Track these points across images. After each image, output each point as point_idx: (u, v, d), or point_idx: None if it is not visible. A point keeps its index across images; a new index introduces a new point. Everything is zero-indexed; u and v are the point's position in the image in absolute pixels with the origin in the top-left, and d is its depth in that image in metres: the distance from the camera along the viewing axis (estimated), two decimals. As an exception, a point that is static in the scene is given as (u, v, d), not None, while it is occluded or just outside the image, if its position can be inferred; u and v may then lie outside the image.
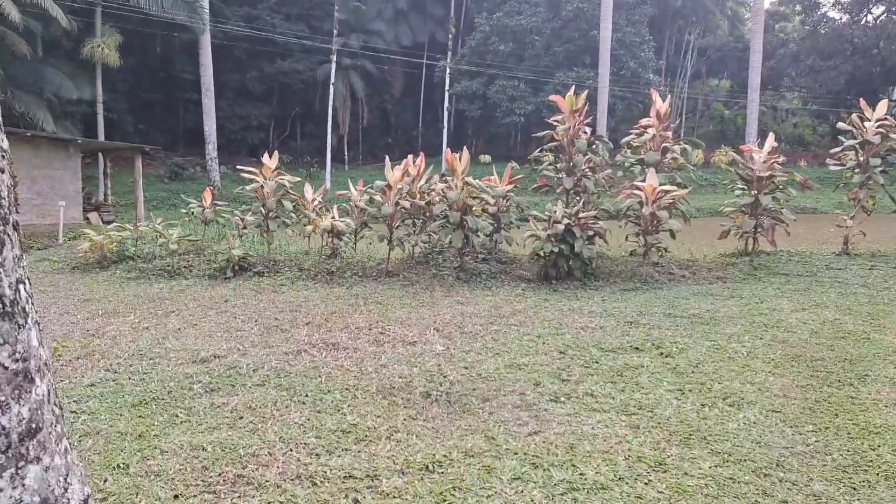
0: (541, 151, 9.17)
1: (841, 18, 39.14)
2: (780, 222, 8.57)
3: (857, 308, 6.45)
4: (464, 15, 36.60)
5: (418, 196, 7.94)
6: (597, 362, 4.49)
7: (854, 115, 9.28)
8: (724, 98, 42.83)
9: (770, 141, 8.64)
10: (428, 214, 7.94)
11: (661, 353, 4.69)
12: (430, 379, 4.14)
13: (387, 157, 7.74)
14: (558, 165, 9.02)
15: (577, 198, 9.38)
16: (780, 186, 8.67)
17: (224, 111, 32.47)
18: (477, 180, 7.73)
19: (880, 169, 9.10)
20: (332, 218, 8.46)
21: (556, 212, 7.97)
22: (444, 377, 4.18)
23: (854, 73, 36.60)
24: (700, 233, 12.01)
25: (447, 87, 30.77)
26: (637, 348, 4.84)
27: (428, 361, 4.53)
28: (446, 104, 30.84)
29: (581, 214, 7.91)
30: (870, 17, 38.59)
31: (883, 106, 9.14)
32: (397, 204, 7.54)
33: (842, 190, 9.79)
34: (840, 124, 9.52)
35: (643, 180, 7.99)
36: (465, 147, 8.85)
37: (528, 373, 4.27)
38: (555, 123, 9.04)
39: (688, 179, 8.85)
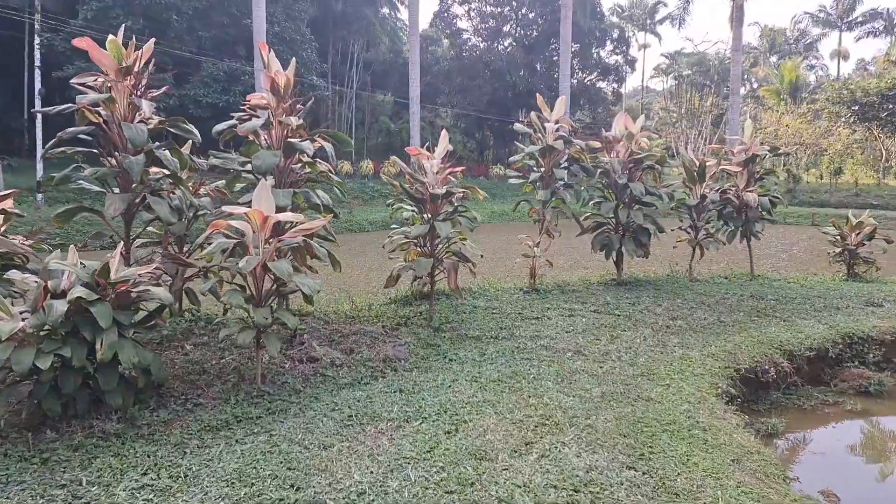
0: (60, 144, 4.64)
1: (481, 45, 43.15)
2: (466, 261, 5.89)
3: (600, 428, 3.86)
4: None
5: None
6: None
7: (533, 115, 7.30)
8: (390, 112, 43.42)
9: (444, 142, 5.88)
10: None
11: None
12: None
13: None
14: (101, 170, 4.66)
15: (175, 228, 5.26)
16: (460, 207, 6.00)
17: None
18: None
19: (564, 182, 7.28)
20: None
21: (58, 273, 3.66)
22: None
23: (493, 94, 40.49)
24: (371, 254, 9.09)
25: (38, 64, 22.02)
26: None
27: None
28: (38, 87, 21.99)
29: (119, 274, 3.76)
30: (502, 47, 43.46)
31: (561, 104, 7.37)
32: None
33: (523, 208, 7.88)
34: (517, 125, 7.47)
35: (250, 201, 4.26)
36: None
37: None
38: (83, 89, 4.68)
39: (338, 200, 5.47)
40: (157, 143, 5.00)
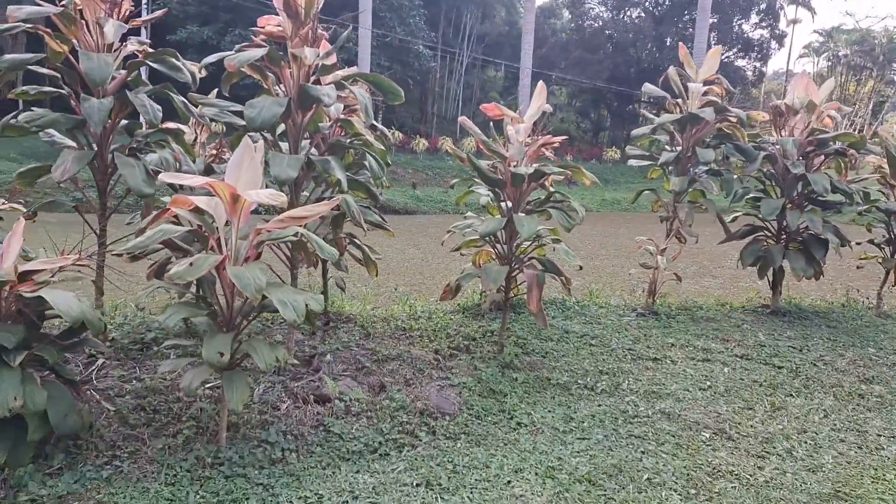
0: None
1: (605, 14, 39.77)
2: (556, 273, 4.12)
3: None
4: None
5: None
6: None
7: (672, 70, 5.28)
8: (500, 88, 41.49)
9: (540, 99, 4.10)
10: None
11: None
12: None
13: None
14: (46, 116, 3.43)
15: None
16: (554, 194, 4.21)
17: None
18: None
19: (708, 168, 5.23)
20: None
21: None
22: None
23: (614, 70, 37.10)
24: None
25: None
26: None
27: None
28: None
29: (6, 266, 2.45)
30: (629, 17, 39.72)
31: (715, 56, 5.28)
32: None
33: (644, 200, 5.89)
34: (647, 86, 5.47)
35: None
36: None
37: None
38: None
39: (376, 176, 3.89)
40: (150, 88, 3.72)
